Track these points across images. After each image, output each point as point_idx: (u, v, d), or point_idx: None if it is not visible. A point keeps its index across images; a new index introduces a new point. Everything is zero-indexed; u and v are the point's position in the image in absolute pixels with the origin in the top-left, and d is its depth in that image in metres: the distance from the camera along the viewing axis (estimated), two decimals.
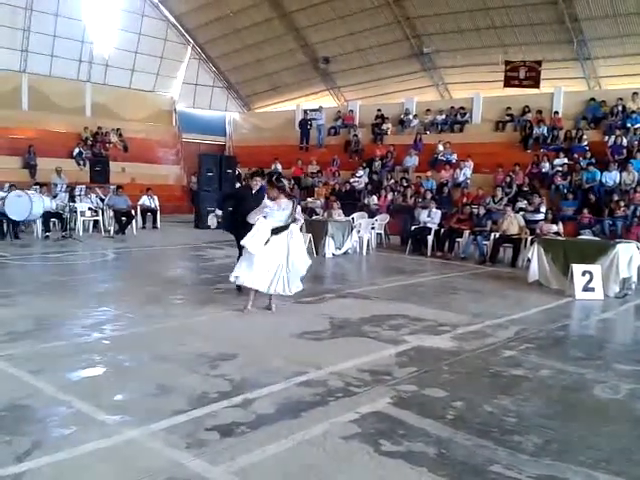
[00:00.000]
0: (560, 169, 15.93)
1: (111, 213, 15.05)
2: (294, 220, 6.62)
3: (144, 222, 16.76)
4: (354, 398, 4.04)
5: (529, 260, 9.24)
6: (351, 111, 23.09)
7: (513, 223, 11.61)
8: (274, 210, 6.51)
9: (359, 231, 12.80)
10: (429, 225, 12.79)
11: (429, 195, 14.92)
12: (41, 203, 12.68)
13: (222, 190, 16.46)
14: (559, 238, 9.90)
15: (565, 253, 8.66)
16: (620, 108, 17.19)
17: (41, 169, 18.76)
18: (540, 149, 17.27)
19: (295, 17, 22.19)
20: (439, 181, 17.22)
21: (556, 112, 18.27)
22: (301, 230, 7.04)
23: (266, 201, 6.64)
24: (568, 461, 3.21)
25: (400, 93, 22.60)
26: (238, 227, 7.48)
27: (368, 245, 13.02)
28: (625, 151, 15.69)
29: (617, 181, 14.79)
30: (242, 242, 6.43)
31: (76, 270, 9.85)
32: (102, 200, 15.71)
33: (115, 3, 22.42)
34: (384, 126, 21.60)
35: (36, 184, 15.38)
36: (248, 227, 6.71)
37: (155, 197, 17.00)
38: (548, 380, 4.61)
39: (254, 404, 3.86)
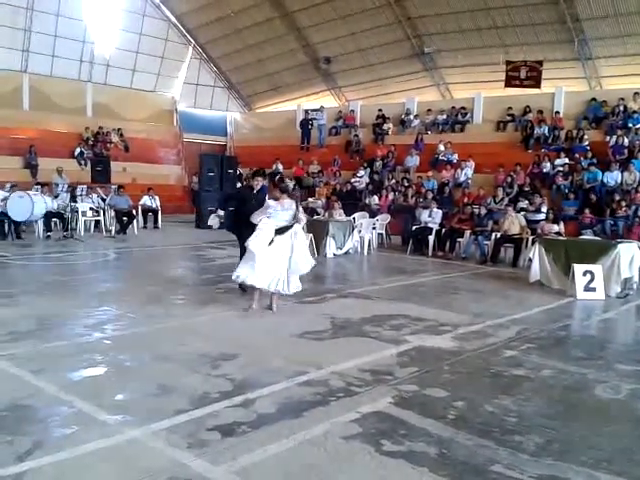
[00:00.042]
0: (561, 169, 15.93)
1: (112, 213, 15.05)
2: (297, 220, 6.63)
3: (145, 222, 16.77)
4: (355, 398, 4.04)
5: (530, 260, 9.24)
6: (352, 111, 23.08)
7: (514, 223, 11.61)
8: (277, 210, 6.53)
9: (360, 231, 12.80)
10: (430, 225, 12.79)
11: (430, 195, 14.94)
12: (43, 204, 12.70)
13: (223, 190, 16.46)
14: (560, 238, 9.89)
15: (566, 253, 8.65)
16: (621, 108, 17.18)
17: (42, 169, 18.76)
18: (541, 149, 17.26)
19: (296, 17, 22.19)
20: (440, 181, 17.22)
21: (557, 112, 18.26)
22: (303, 230, 7.06)
23: (269, 201, 6.67)
24: (569, 461, 3.21)
25: (401, 93, 22.60)
26: (240, 227, 7.50)
27: (369, 245, 13.02)
28: (626, 151, 15.68)
29: (618, 181, 14.79)
30: (246, 243, 6.44)
31: (77, 270, 9.86)
32: (103, 200, 15.72)
33: (116, 3, 22.43)
34: (385, 126, 21.59)
35: (37, 184, 15.41)
36: (250, 227, 6.72)
37: (156, 197, 17.01)
38: (549, 380, 4.61)
39: (255, 404, 3.86)
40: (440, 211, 13.20)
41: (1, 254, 10.43)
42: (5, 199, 12.40)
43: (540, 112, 18.41)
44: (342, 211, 13.70)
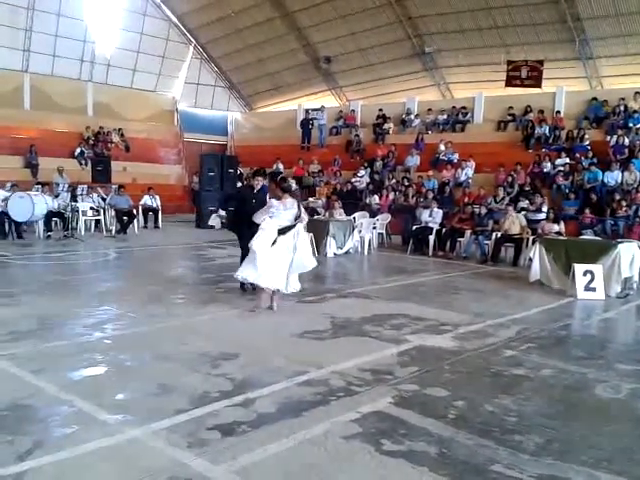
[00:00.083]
0: (562, 169, 15.92)
1: (113, 213, 15.06)
2: (300, 220, 6.64)
3: (145, 222, 16.77)
4: (355, 397, 4.04)
5: (531, 260, 9.24)
6: (353, 111, 23.07)
7: (515, 223, 11.61)
8: (280, 210, 6.54)
9: (360, 231, 12.80)
10: (431, 225, 12.79)
11: (430, 195, 14.94)
12: (44, 204, 12.70)
13: (224, 190, 16.47)
14: (561, 238, 9.88)
15: (567, 253, 8.64)
16: (622, 108, 17.17)
17: (43, 168, 18.76)
18: (542, 149, 17.25)
19: (297, 17, 22.19)
20: (441, 181, 17.21)
21: (558, 112, 18.25)
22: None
23: (272, 201, 6.68)
24: (569, 461, 3.21)
25: (402, 93, 22.58)
26: (240, 226, 7.51)
27: (369, 245, 13.02)
28: (627, 151, 15.67)
29: (619, 181, 14.78)
30: (250, 244, 6.45)
31: (78, 270, 9.87)
32: (104, 200, 15.73)
33: (117, 3, 22.42)
34: (385, 126, 21.59)
35: (38, 183, 15.41)
36: (251, 226, 6.73)
37: (157, 197, 17.01)
38: (549, 380, 4.61)
39: (255, 403, 3.87)
40: (440, 211, 13.20)
41: (2, 254, 10.44)
42: (6, 199, 12.41)
43: (541, 112, 18.39)
44: (342, 211, 13.70)
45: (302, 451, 3.25)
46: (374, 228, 13.59)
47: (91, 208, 14.68)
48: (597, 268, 8.00)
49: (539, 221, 11.83)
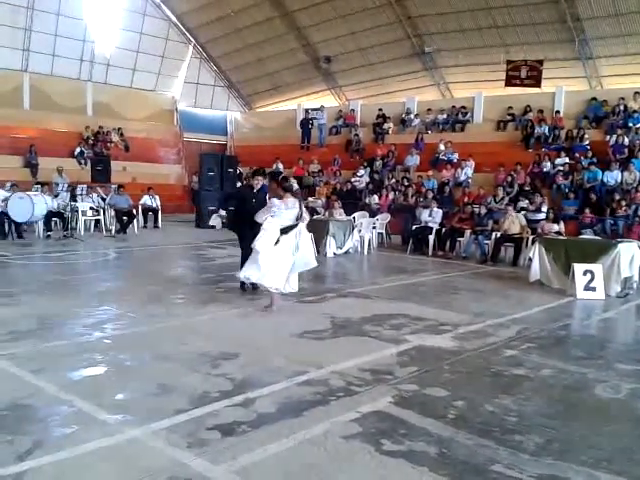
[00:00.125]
0: (561, 168, 15.93)
1: (112, 212, 15.06)
2: (301, 219, 6.65)
3: (145, 221, 16.78)
4: (355, 397, 4.04)
5: (530, 259, 9.23)
6: (352, 110, 23.08)
7: (514, 222, 11.61)
8: (281, 209, 6.55)
9: (360, 230, 12.81)
10: (430, 224, 12.79)
11: (430, 194, 14.94)
12: (43, 204, 12.70)
13: (223, 190, 16.47)
14: (560, 237, 9.89)
15: (566, 252, 8.64)
16: (622, 107, 17.18)
17: (42, 168, 18.77)
18: (541, 148, 17.26)
19: (296, 16, 22.18)
20: (440, 180, 17.22)
21: (557, 111, 18.26)
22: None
23: (274, 200, 6.68)
24: (569, 460, 3.21)
25: (401, 92, 22.60)
26: (240, 226, 7.52)
27: (369, 245, 13.02)
28: (626, 150, 15.68)
29: (618, 180, 14.79)
30: (253, 244, 6.46)
31: (78, 269, 9.87)
32: (103, 199, 15.73)
33: (117, 2, 22.44)
34: (385, 125, 21.60)
35: (37, 183, 15.41)
36: (251, 226, 6.73)
37: (156, 196, 17.01)
38: (549, 379, 4.61)
39: (255, 403, 3.87)
40: (440, 210, 13.20)
41: (1, 253, 10.44)
42: (6, 199, 12.41)
43: (540, 111, 18.40)
44: (342, 210, 13.71)
45: (302, 451, 3.25)
46: (374, 228, 13.59)
47: (91, 208, 14.68)
48: (597, 268, 8.01)
49: (539, 221, 11.82)
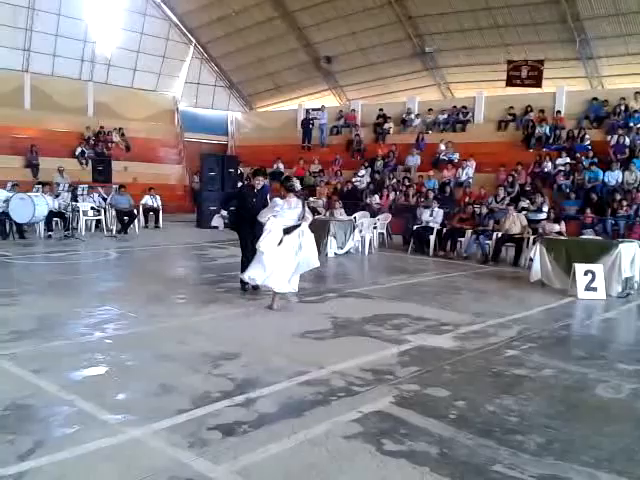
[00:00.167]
0: (562, 168, 15.93)
1: (113, 212, 15.07)
2: (304, 219, 6.64)
3: (146, 221, 16.77)
4: (356, 397, 4.04)
5: (531, 259, 9.23)
6: (353, 110, 23.08)
7: (515, 222, 11.61)
8: (284, 209, 6.55)
9: (361, 230, 12.79)
10: (431, 224, 12.78)
11: (431, 194, 14.94)
12: (45, 205, 12.71)
13: (224, 190, 16.47)
14: (561, 237, 9.88)
15: (567, 252, 8.64)
16: (622, 107, 17.17)
17: (43, 168, 18.78)
18: (542, 148, 17.27)
19: (297, 16, 22.19)
20: (441, 180, 17.23)
21: (558, 111, 18.25)
22: None
23: (276, 200, 6.67)
24: (570, 461, 3.21)
25: (402, 92, 22.60)
26: (241, 226, 7.52)
27: (370, 244, 13.01)
28: (627, 150, 15.69)
29: (619, 180, 14.80)
30: (257, 245, 6.46)
31: (79, 269, 9.88)
32: (104, 199, 15.75)
33: (117, 2, 22.46)
34: (386, 125, 21.60)
35: (38, 183, 15.42)
36: (252, 226, 6.73)
37: (157, 196, 17.00)
38: (550, 380, 4.61)
39: (256, 403, 3.87)
40: (441, 210, 13.19)
41: (3, 253, 10.45)
42: (7, 200, 12.41)
43: (541, 111, 18.39)
44: (343, 210, 13.71)
45: (303, 451, 3.25)
46: (375, 228, 13.58)
47: (92, 208, 14.69)
48: (598, 268, 8.00)
49: (540, 221, 11.83)
